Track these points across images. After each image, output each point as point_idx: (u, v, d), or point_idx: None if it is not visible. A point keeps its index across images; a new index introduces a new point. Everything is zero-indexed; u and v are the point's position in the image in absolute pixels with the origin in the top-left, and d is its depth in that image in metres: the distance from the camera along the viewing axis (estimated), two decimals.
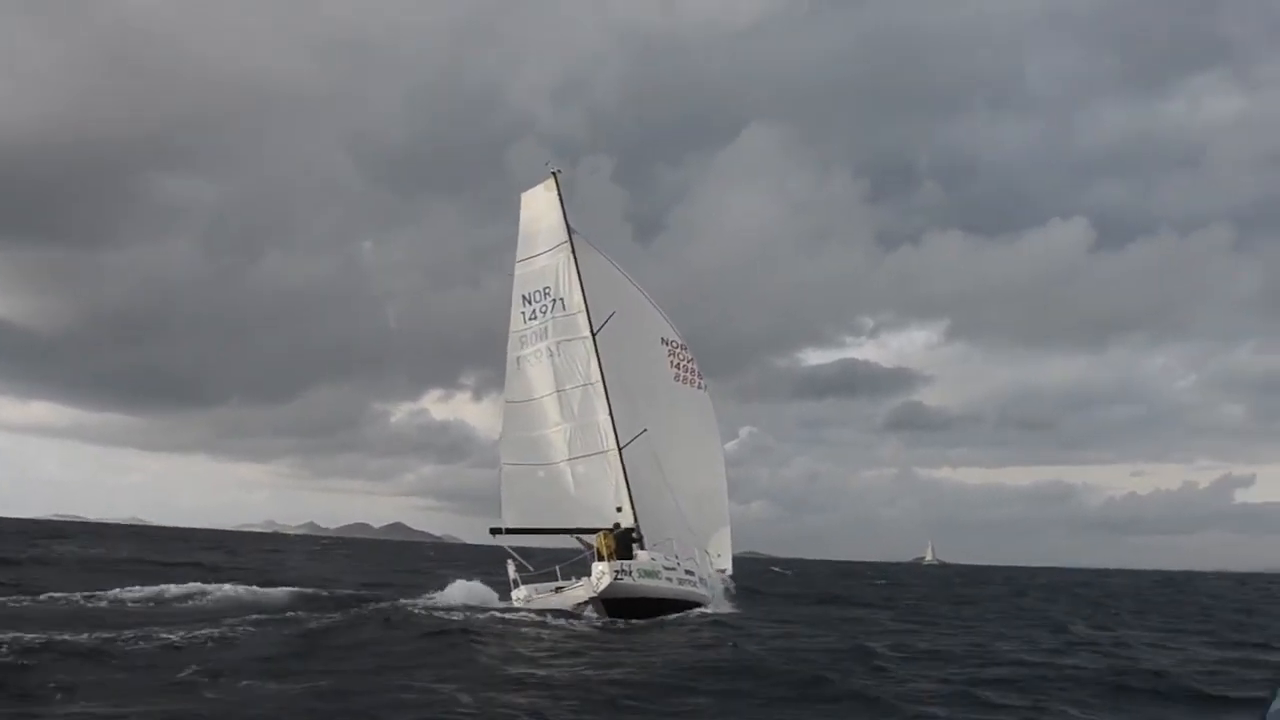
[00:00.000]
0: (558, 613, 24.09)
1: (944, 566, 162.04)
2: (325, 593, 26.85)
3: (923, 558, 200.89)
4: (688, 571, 26.89)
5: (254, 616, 19.03)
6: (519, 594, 25.94)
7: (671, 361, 29.51)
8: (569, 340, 28.10)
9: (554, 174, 29.06)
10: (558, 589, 25.78)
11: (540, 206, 28.92)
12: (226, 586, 26.00)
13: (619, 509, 27.59)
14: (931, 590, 51.07)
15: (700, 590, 27.05)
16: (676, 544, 27.22)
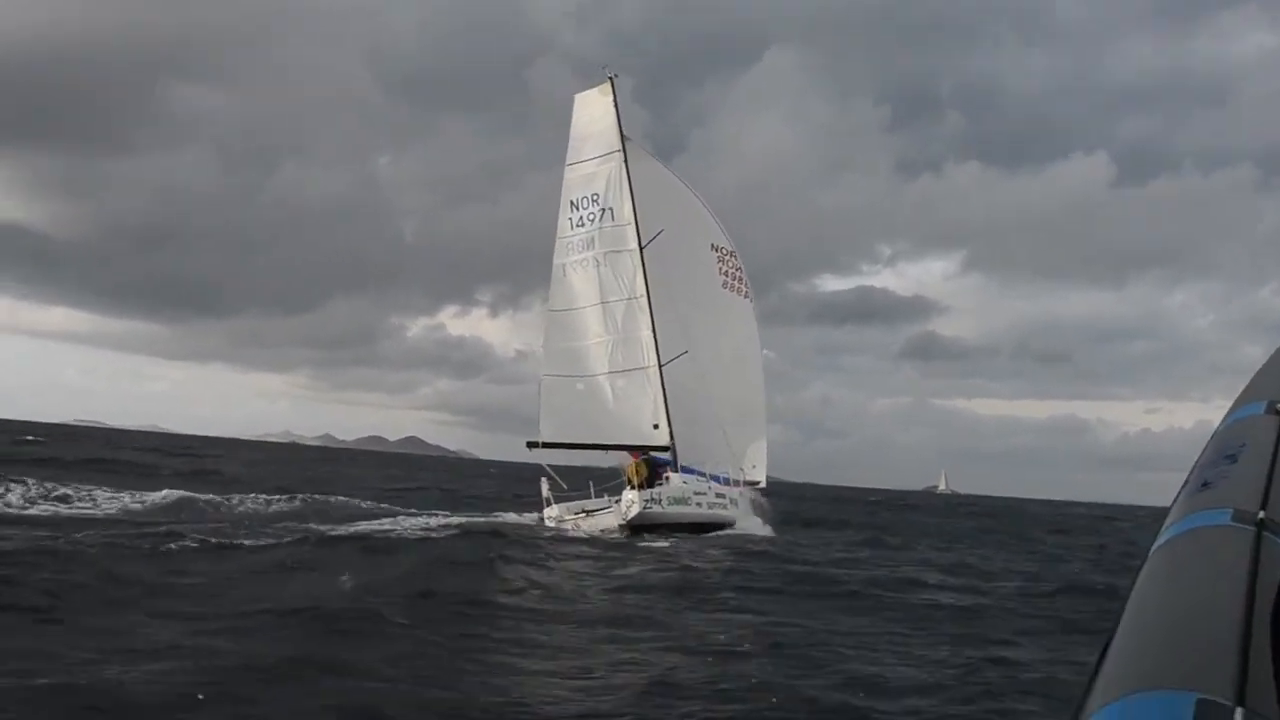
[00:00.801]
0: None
1: (955, 496, 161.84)
2: None
3: (935, 486, 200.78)
4: (718, 495, 26.74)
5: None
6: (551, 513, 25.67)
7: (720, 269, 28.97)
8: (616, 252, 27.47)
9: (610, 78, 28.20)
10: (588, 512, 25.45)
11: (594, 110, 28.07)
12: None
13: (655, 426, 27.29)
14: (917, 518, 49.39)
15: (729, 512, 26.87)
16: (710, 466, 27.09)
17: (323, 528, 19.79)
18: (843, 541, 27.62)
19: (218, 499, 25.06)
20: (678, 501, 25.43)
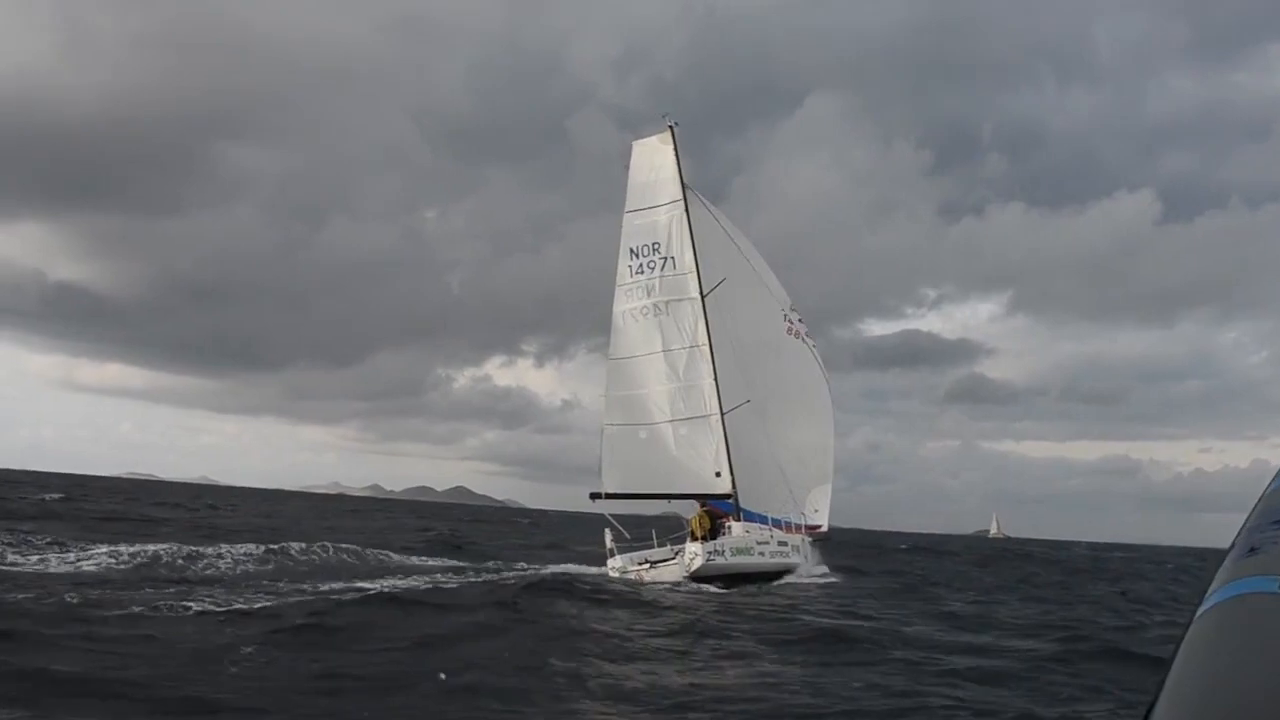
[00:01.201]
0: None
1: (1008, 540, 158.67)
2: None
3: (987, 531, 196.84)
4: (780, 543, 26.55)
5: None
6: (614, 563, 25.39)
7: (783, 315, 29.03)
8: (677, 300, 27.40)
9: (670, 126, 28.23)
10: (650, 563, 25.14)
11: (654, 159, 28.13)
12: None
13: (718, 474, 27.04)
14: (946, 564, 47.39)
15: (792, 559, 26.72)
16: (772, 512, 26.89)
17: (306, 586, 17.12)
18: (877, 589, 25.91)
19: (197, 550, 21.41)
20: (740, 552, 25.19)
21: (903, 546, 65.94)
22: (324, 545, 24.92)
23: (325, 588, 17.04)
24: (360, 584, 18.18)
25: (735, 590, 22.70)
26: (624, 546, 26.02)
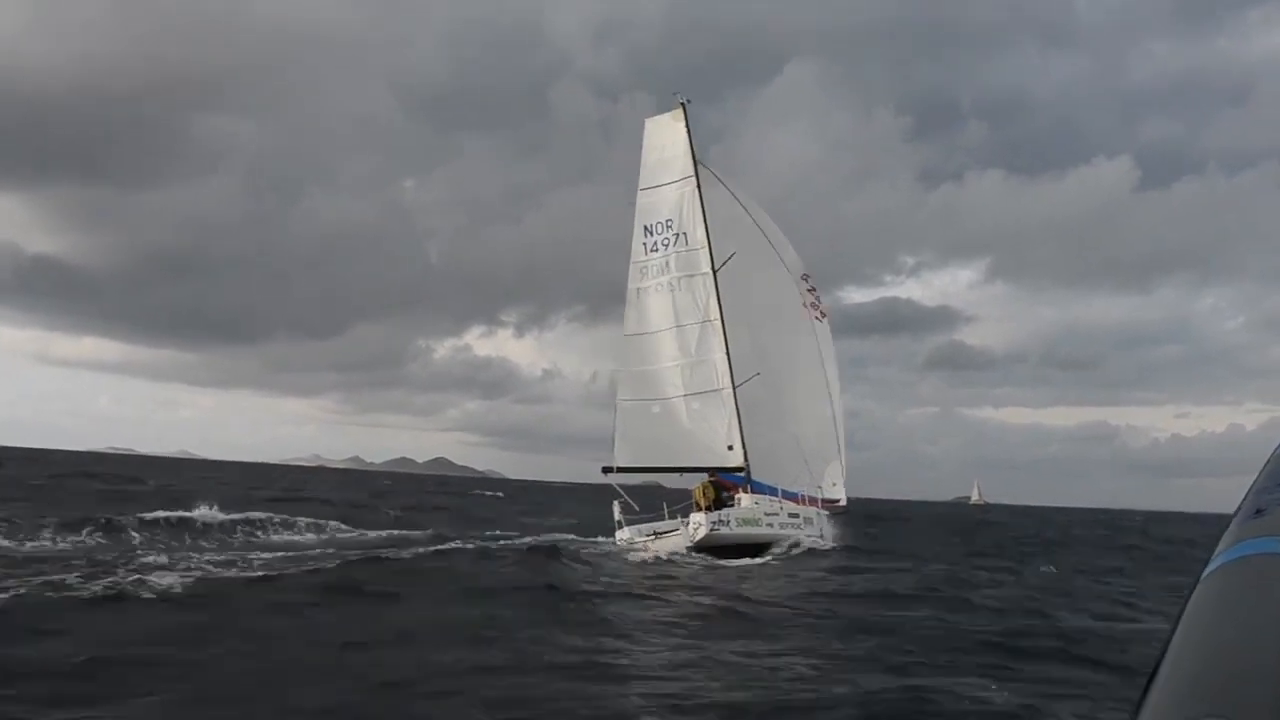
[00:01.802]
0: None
1: (988, 507, 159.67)
2: None
3: (968, 497, 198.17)
4: (791, 514, 26.81)
5: None
6: (623, 535, 25.85)
7: (798, 289, 29.44)
8: (690, 276, 27.76)
9: (682, 104, 28.53)
10: (658, 534, 25.58)
11: (666, 136, 28.41)
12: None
13: (730, 447, 27.47)
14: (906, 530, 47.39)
15: (804, 531, 26.91)
16: (785, 484, 27.28)
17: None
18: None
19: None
20: (747, 523, 25.45)
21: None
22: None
23: None
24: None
25: (725, 562, 22.79)
26: (632, 519, 26.52)
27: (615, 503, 26.78)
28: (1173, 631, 1.32)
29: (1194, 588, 1.42)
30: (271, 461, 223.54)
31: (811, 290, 29.58)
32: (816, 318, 29.71)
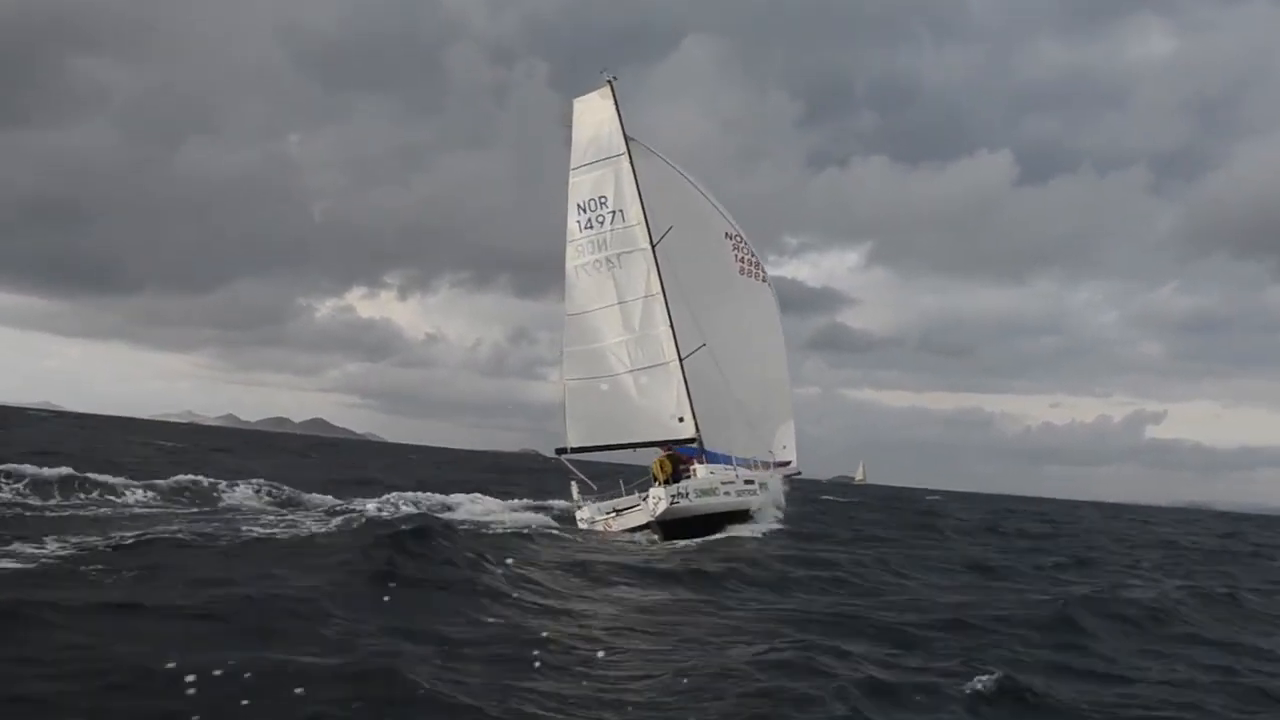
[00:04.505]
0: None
1: (866, 487, 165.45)
2: None
3: (852, 477, 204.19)
4: (746, 481, 27.28)
5: None
6: (583, 514, 25.99)
7: (736, 256, 29.60)
8: (628, 252, 27.74)
9: (609, 81, 28.31)
10: (618, 512, 25.83)
11: (594, 114, 28.23)
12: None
13: (680, 419, 27.74)
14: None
15: (758, 497, 27.44)
16: (738, 451, 27.79)
17: None
18: None
19: None
20: (705, 493, 25.71)
21: None
22: None
23: None
24: None
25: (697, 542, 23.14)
26: (589, 497, 26.69)
27: (572, 483, 26.92)
28: None
29: None
30: (141, 417, 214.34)
31: (752, 254, 29.84)
32: (759, 278, 30.07)
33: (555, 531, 22.83)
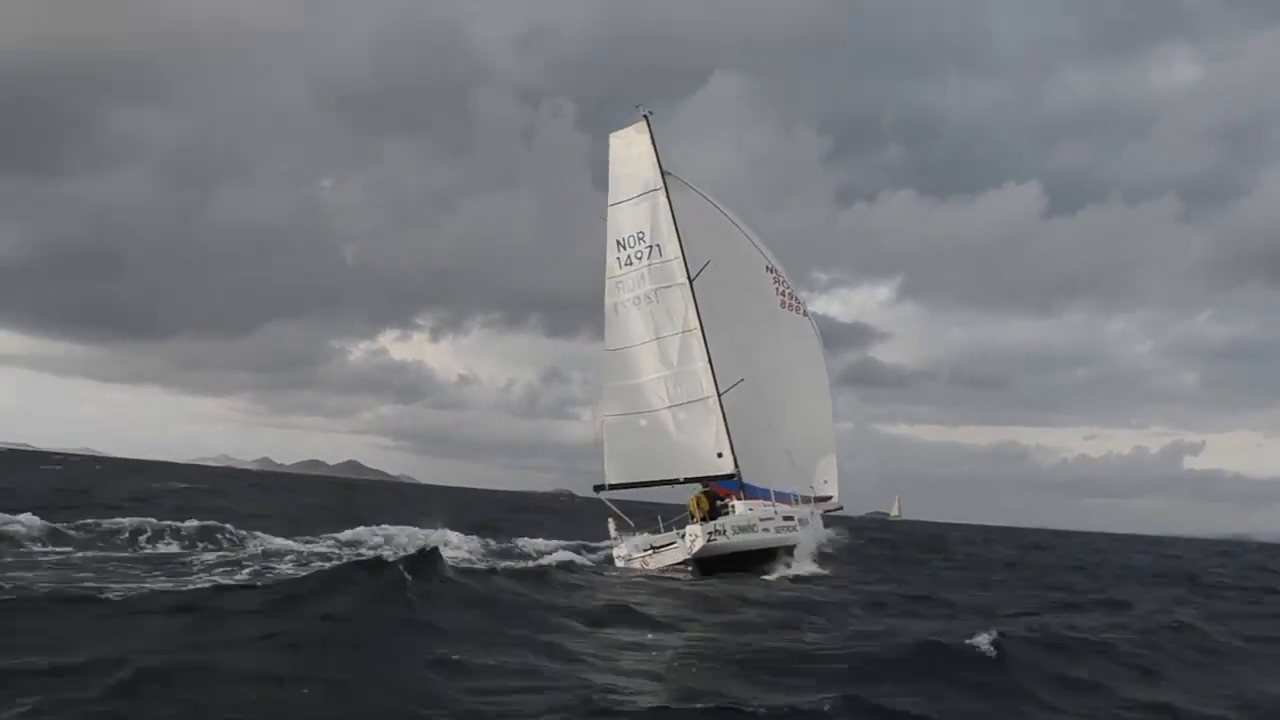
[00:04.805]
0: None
1: (902, 522, 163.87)
2: None
3: (888, 514, 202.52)
4: (785, 517, 26.81)
5: None
6: (620, 552, 25.64)
7: (777, 289, 29.57)
8: (667, 288, 27.71)
9: (645, 116, 28.47)
10: (655, 549, 25.47)
11: (631, 149, 28.37)
12: None
13: (719, 455, 27.51)
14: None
15: (797, 534, 26.75)
16: (778, 485, 27.48)
17: None
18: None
19: None
20: (743, 530, 25.32)
21: None
22: None
23: None
24: None
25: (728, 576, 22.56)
26: (628, 535, 26.28)
27: (610, 520, 26.67)
28: None
29: None
30: (179, 461, 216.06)
31: (786, 287, 29.75)
32: (798, 312, 29.95)
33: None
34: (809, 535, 27.38)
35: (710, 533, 24.49)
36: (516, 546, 26.86)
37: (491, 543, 26.48)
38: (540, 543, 27.91)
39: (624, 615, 14.40)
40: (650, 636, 12.94)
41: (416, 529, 26.69)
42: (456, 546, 24.24)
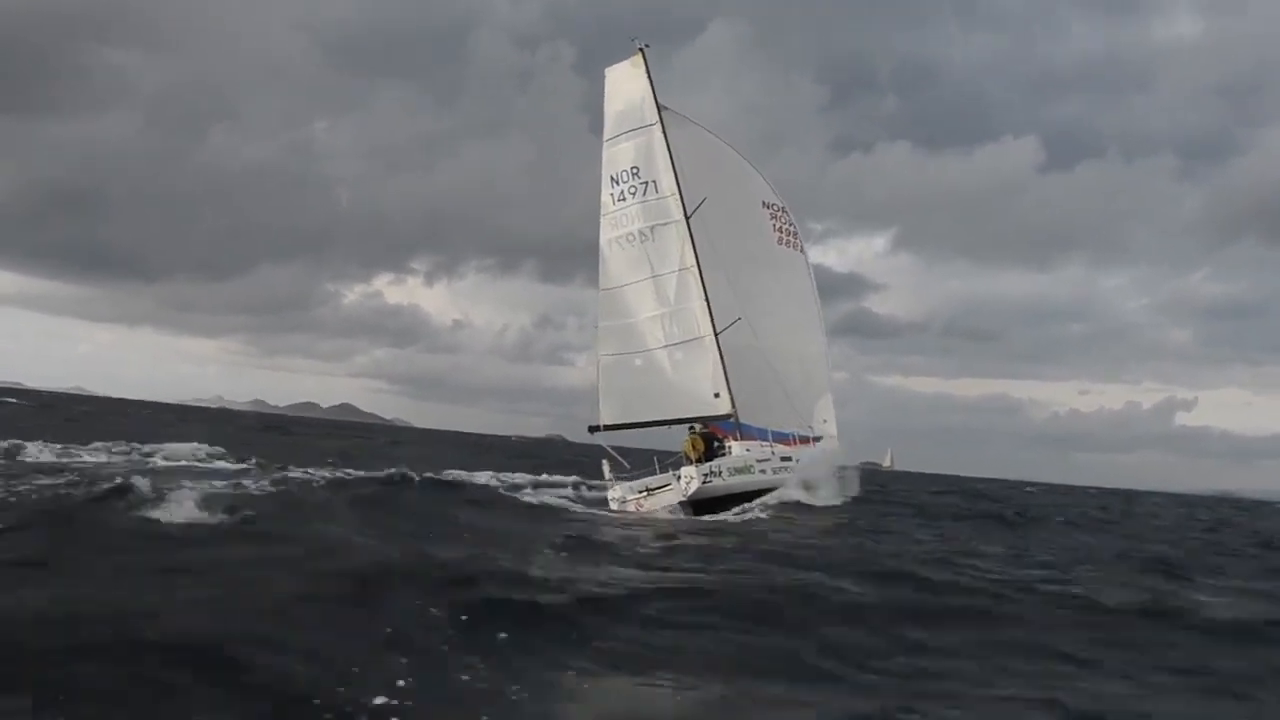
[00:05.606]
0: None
1: (895, 474, 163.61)
2: None
3: (879, 464, 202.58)
4: (783, 459, 26.54)
5: None
6: (614, 494, 25.31)
7: (774, 225, 29.08)
8: (662, 224, 27.19)
9: (641, 49, 27.73)
10: (649, 491, 25.19)
11: (626, 84, 27.70)
12: None
13: (716, 395, 27.20)
14: None
15: (793, 475, 26.28)
16: (775, 426, 27.22)
17: None
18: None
19: None
20: (739, 471, 25.14)
21: None
22: None
23: None
24: None
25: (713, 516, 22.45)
26: (623, 477, 25.94)
27: (604, 461, 26.40)
28: None
29: None
30: (169, 402, 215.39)
31: (790, 224, 29.30)
32: (797, 250, 29.50)
33: None
34: (817, 474, 26.42)
35: (706, 474, 24.27)
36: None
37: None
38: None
39: None
40: None
41: None
42: None
